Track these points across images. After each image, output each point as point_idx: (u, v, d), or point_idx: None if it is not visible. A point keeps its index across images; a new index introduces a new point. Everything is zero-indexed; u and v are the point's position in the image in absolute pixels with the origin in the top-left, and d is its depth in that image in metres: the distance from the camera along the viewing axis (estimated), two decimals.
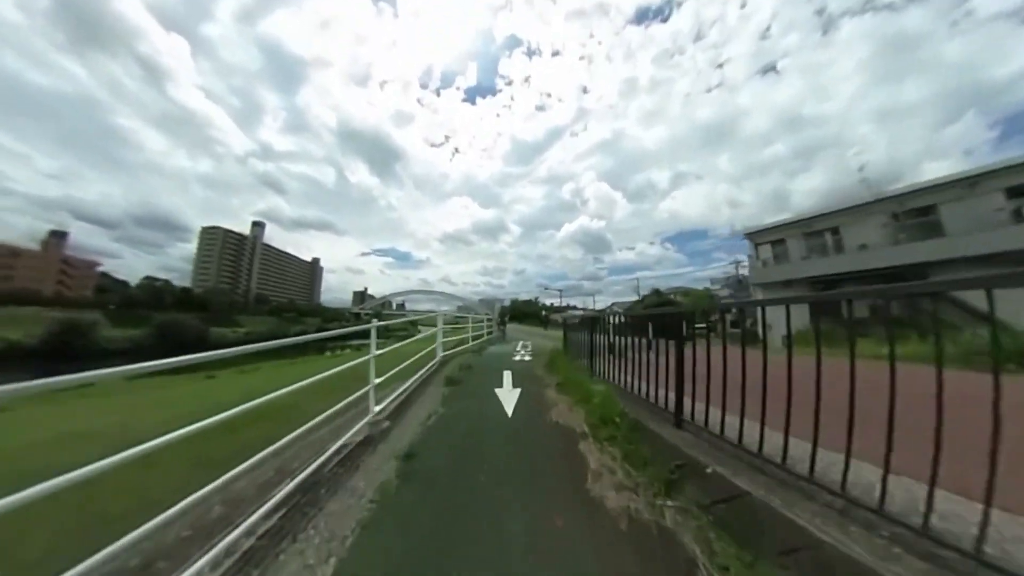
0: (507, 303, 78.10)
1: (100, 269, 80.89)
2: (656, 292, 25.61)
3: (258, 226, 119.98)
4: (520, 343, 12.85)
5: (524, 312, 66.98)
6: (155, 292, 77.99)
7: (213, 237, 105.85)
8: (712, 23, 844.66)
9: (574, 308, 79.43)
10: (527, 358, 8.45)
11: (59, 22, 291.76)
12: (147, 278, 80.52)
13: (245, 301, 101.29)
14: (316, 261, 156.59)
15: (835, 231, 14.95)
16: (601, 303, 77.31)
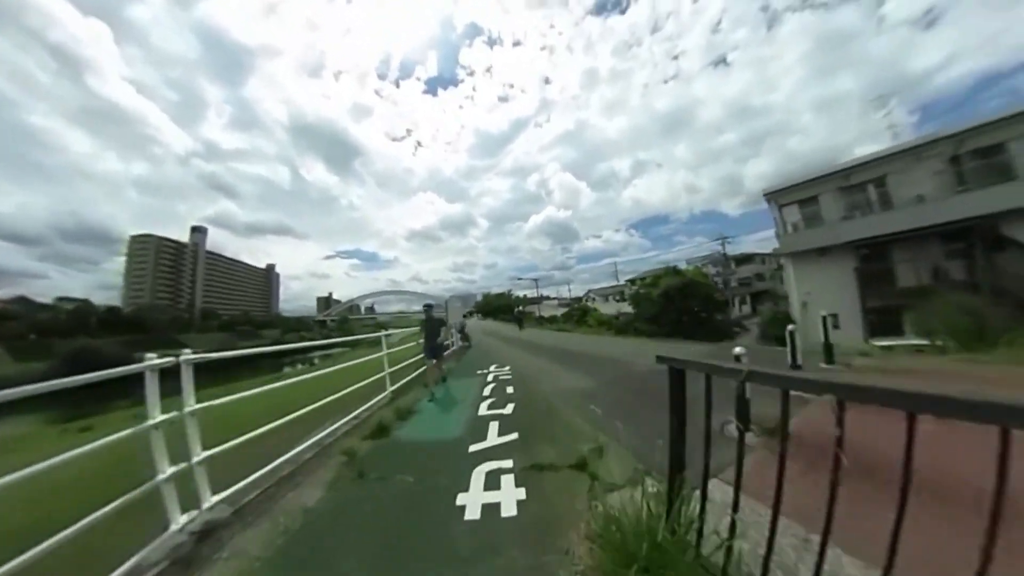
0: (479, 298, 73.92)
1: (14, 293, 69.06)
2: (675, 271, 22.39)
3: (198, 232, 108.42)
4: (491, 371, 7.80)
5: (496, 306, 62.99)
6: (76, 315, 67.66)
7: (145, 246, 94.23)
8: (667, 15, 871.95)
9: (548, 299, 76.39)
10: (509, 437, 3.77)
11: None
12: (59, 299, 69.69)
13: (190, 317, 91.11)
14: (271, 268, 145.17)
15: (880, 182, 12.35)
16: (575, 292, 75.32)
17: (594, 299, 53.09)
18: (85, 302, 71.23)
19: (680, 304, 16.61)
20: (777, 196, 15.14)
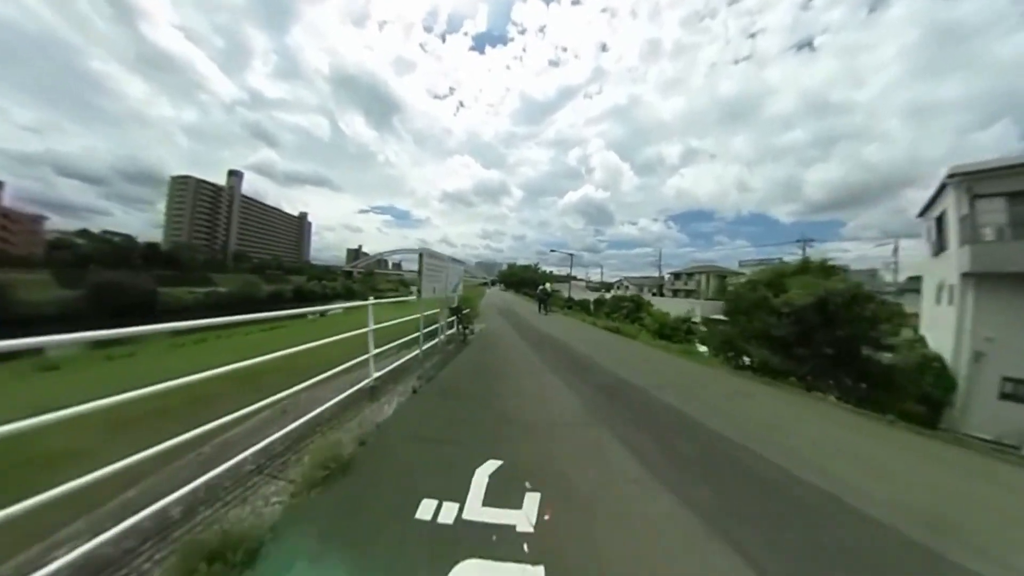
0: (503, 267, 70.58)
1: (84, 227, 73.11)
2: (822, 268, 10.41)
3: (235, 176, 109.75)
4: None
5: (521, 279, 59.30)
6: (116, 249, 70.75)
7: (184, 188, 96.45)
8: None
9: (574, 279, 71.80)
10: None
11: None
12: (105, 232, 72.89)
13: (223, 258, 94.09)
14: (304, 216, 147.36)
15: None
16: (597, 275, 69.88)
17: (628, 288, 48.58)
18: (128, 237, 74.08)
19: (830, 327, 8.66)
20: (973, 180, 10.04)
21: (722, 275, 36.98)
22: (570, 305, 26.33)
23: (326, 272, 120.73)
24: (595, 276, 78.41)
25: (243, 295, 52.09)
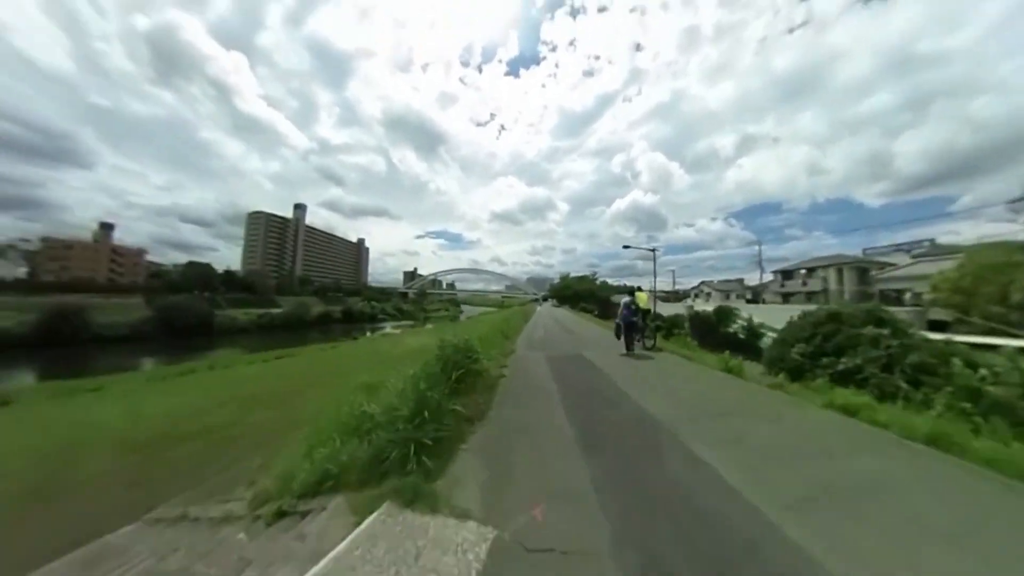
0: (555, 281, 65.79)
1: (190, 259, 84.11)
2: None
3: (299, 209, 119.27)
4: None
5: (576, 291, 53.93)
6: (200, 276, 78.18)
7: (257, 221, 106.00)
8: None
9: (638, 289, 64.26)
10: None
11: (148, 59, 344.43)
12: (189, 263, 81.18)
13: (289, 282, 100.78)
14: (361, 242, 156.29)
15: None
16: (661, 284, 61.90)
17: (709, 294, 41.17)
18: (208, 266, 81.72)
19: None
20: None
21: (863, 268, 28.51)
22: (662, 326, 19.26)
23: (381, 294, 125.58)
24: (650, 284, 70.39)
25: (294, 316, 53.06)
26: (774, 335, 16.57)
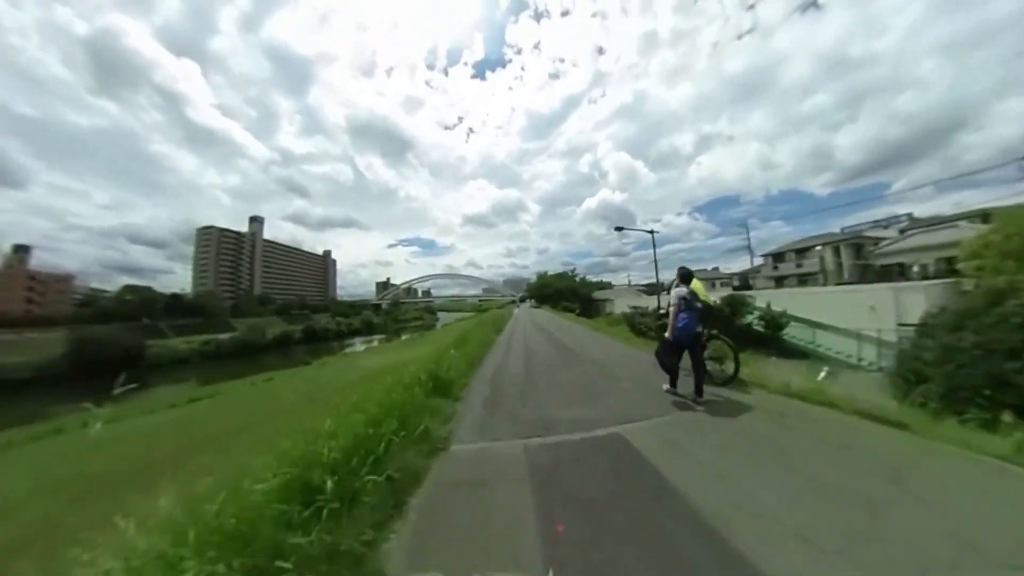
0: (532, 280, 62.73)
1: (150, 284, 74.57)
2: None
3: (256, 222, 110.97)
4: None
5: (556, 289, 50.64)
6: (140, 301, 69.94)
7: (208, 238, 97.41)
8: None
9: (607, 285, 62.03)
10: None
11: (87, 66, 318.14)
12: (126, 287, 72.58)
13: (247, 302, 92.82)
14: (327, 254, 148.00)
15: None
16: (628, 279, 59.82)
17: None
18: (148, 289, 73.45)
19: None
20: None
21: (857, 244, 26.62)
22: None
23: (351, 308, 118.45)
24: (621, 281, 68.50)
25: (245, 341, 47.13)
26: (800, 325, 13.82)
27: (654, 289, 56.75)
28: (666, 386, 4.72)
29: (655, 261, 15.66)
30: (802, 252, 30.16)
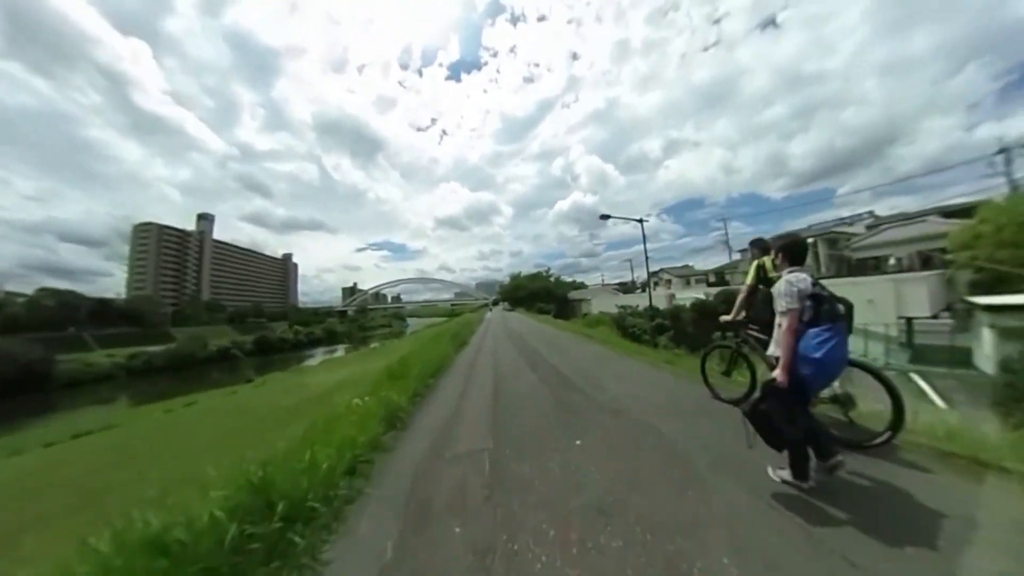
0: (505, 281, 60.62)
1: (75, 288, 64.18)
2: None
3: (205, 219, 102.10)
4: None
5: (530, 291, 48.75)
6: (59, 306, 61.29)
7: (146, 236, 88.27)
8: None
9: (580, 286, 61.07)
10: None
11: (15, 40, 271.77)
12: (43, 289, 63.53)
13: (192, 308, 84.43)
14: (288, 257, 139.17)
15: None
16: (601, 279, 59.15)
17: (670, 281, 38.29)
18: (71, 293, 64.73)
19: None
20: None
21: (832, 239, 26.48)
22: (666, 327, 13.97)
23: (313, 315, 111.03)
24: (594, 281, 67.60)
25: (182, 353, 41.66)
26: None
27: (628, 288, 55.74)
28: (782, 474, 2.29)
29: (645, 254, 13.92)
30: None
